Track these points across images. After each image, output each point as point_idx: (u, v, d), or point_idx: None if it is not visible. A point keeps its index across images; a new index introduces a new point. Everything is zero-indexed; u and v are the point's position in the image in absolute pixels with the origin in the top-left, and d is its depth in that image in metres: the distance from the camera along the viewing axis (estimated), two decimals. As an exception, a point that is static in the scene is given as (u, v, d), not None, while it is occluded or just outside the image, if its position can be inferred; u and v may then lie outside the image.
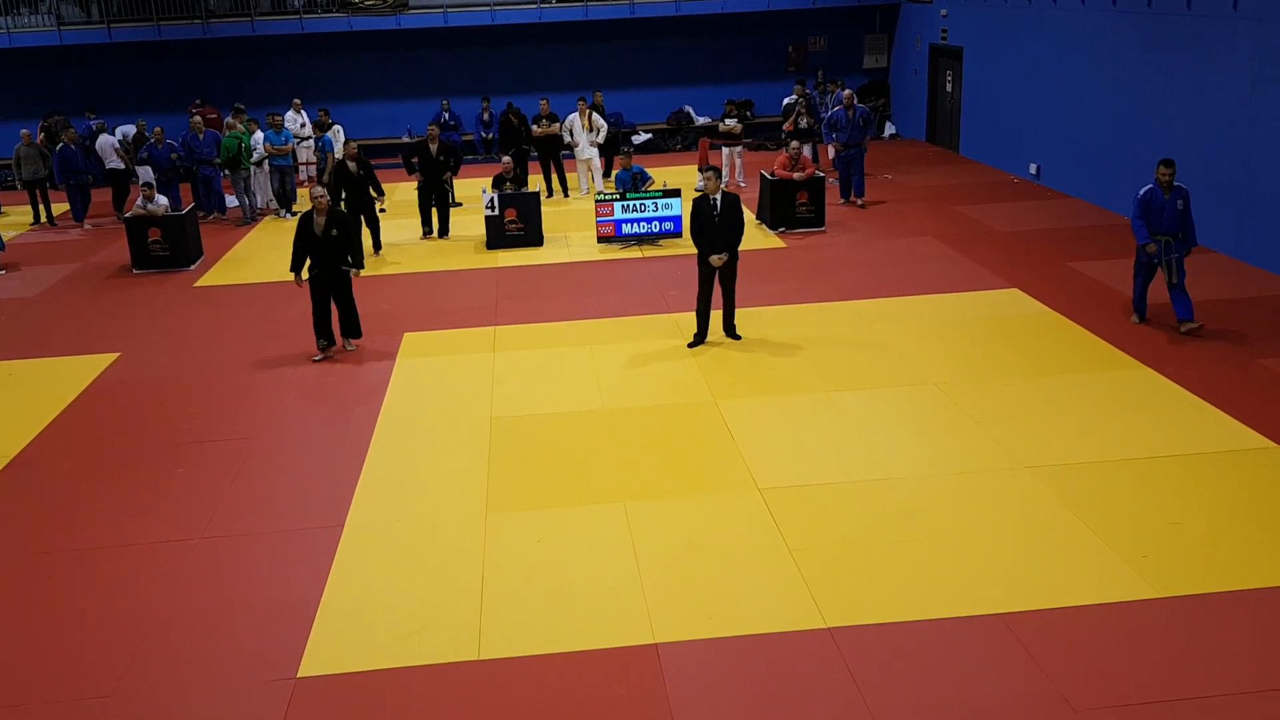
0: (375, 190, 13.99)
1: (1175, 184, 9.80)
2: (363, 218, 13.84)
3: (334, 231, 10.04)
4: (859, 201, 15.90)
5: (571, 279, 12.86)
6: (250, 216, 16.85)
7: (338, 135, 18.10)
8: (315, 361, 10.27)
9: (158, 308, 12.49)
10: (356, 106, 21.55)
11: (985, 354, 9.76)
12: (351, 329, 10.58)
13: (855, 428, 8.34)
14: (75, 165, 16.71)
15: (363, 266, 10.53)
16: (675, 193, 14.16)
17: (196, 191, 16.96)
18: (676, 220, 14.01)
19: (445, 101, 21.11)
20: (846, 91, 16.37)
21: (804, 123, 17.47)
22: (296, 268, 10.18)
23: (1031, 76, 16.91)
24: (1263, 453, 7.62)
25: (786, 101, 18.66)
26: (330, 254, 10.10)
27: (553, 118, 17.46)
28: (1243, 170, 12.05)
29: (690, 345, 10.24)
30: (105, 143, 17.55)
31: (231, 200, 17.37)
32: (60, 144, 16.95)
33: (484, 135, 21.15)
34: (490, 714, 5.29)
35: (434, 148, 14.59)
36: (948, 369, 9.43)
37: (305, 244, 10.10)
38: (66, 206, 17.60)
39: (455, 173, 15.13)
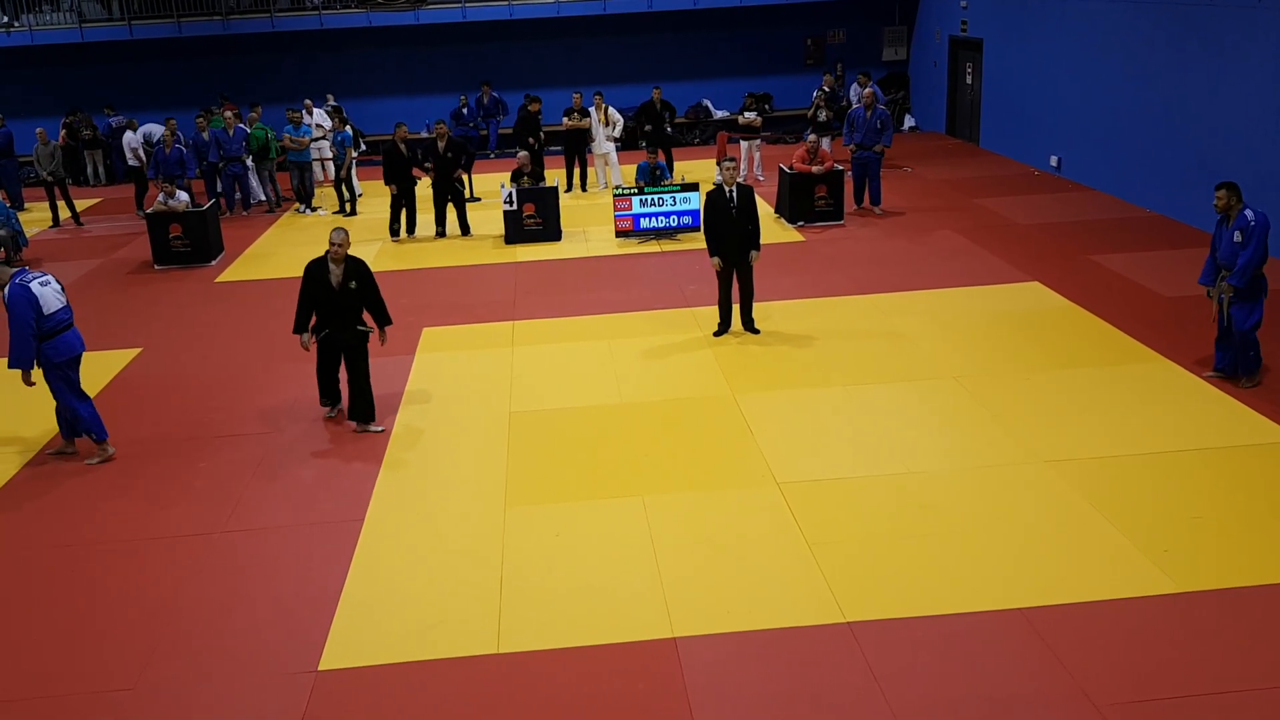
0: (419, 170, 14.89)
1: (1246, 210, 8.37)
2: (405, 201, 14.90)
3: (352, 284, 8.35)
4: (876, 209, 15.11)
5: (590, 274, 12.87)
6: (272, 208, 17.18)
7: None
8: (327, 419, 8.87)
9: (179, 303, 12.57)
10: (375, 102, 21.61)
11: (1005, 348, 9.71)
12: (363, 411, 8.56)
13: (874, 422, 8.31)
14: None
15: (390, 322, 8.70)
16: (693, 187, 14.14)
17: (215, 187, 16.82)
18: (695, 214, 13.97)
19: (463, 97, 21.13)
20: (868, 90, 15.75)
21: (823, 116, 17.38)
22: (302, 327, 8.51)
23: (1052, 68, 16.79)
24: (1286, 447, 7.56)
25: (817, 94, 18.46)
26: (348, 311, 8.40)
27: (584, 112, 17.42)
28: (1265, 162, 11.93)
29: (715, 334, 10.35)
30: (129, 140, 17.69)
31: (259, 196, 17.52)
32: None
33: (480, 131, 21.04)
34: (509, 708, 5.31)
35: (442, 145, 14.64)
36: (967, 363, 9.38)
37: (316, 298, 8.38)
38: (91, 202, 17.72)
39: (468, 169, 15.18)
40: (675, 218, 14.06)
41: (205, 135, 16.61)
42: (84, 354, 8.24)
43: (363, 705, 5.37)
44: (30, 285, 7.88)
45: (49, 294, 7.93)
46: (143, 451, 8.48)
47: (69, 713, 5.43)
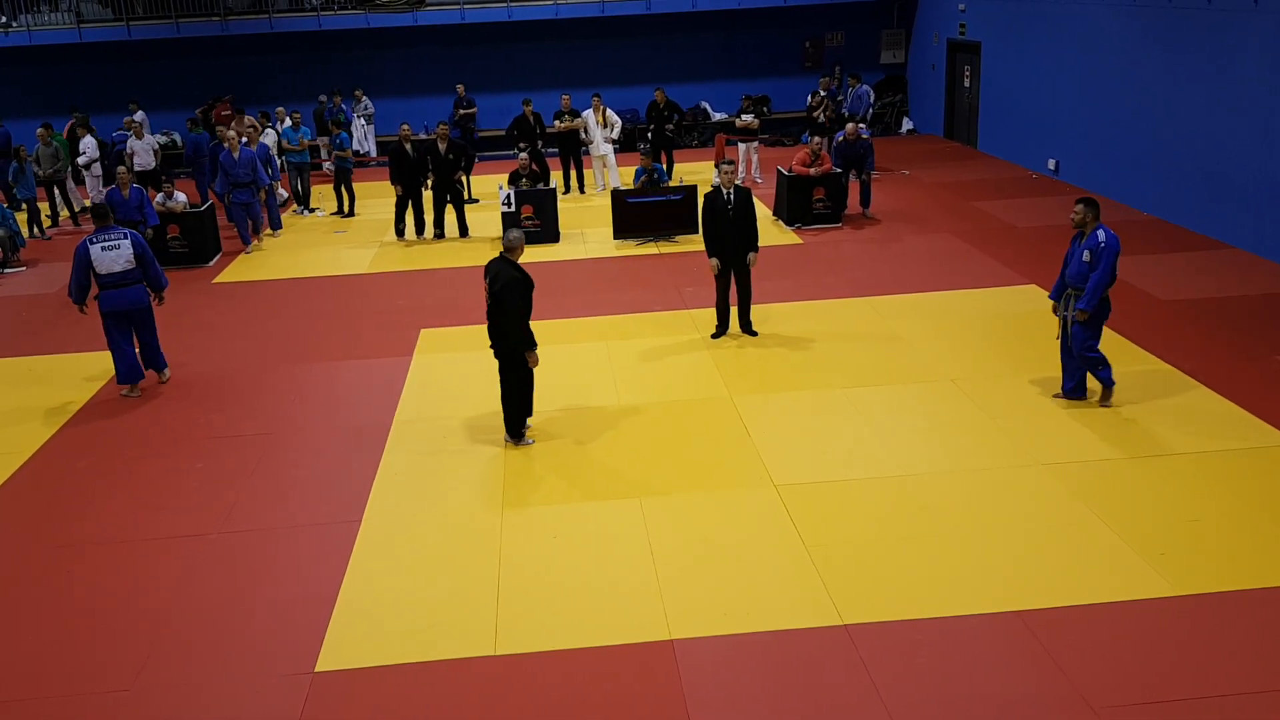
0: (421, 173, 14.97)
1: (1099, 230, 8.16)
2: (410, 201, 14.94)
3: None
4: (866, 212, 15.13)
5: (588, 275, 12.87)
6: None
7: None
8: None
9: (176, 304, 12.49)
10: (374, 103, 21.58)
11: (1002, 350, 9.72)
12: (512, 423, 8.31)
13: (871, 424, 8.32)
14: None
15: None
16: (691, 189, 14.13)
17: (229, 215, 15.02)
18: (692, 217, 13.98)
19: (460, 92, 21.12)
20: (850, 126, 15.09)
21: (821, 118, 17.36)
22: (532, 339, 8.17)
23: (1050, 71, 16.81)
24: (1283, 450, 7.57)
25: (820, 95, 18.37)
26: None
27: (574, 114, 17.44)
28: (1261, 165, 11.96)
29: (713, 336, 10.36)
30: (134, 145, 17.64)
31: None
32: (213, 143, 16.80)
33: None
34: (506, 709, 5.31)
35: (443, 147, 14.65)
36: (964, 365, 9.39)
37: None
38: (88, 202, 17.70)
39: (468, 171, 15.18)
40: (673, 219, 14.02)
41: (237, 154, 14.51)
42: (133, 311, 9.48)
43: (360, 707, 5.36)
44: (90, 245, 9.28)
45: (107, 257, 9.26)
46: (139, 452, 8.47)
47: (65, 714, 5.42)
